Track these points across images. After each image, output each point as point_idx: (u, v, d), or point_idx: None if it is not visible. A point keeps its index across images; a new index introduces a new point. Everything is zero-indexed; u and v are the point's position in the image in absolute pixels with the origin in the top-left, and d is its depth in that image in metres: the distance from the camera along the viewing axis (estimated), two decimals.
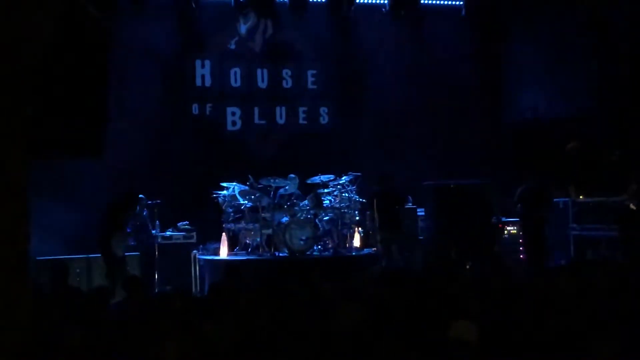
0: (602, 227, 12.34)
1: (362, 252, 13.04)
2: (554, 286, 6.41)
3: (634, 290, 5.73)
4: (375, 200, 12.65)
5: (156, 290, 11.68)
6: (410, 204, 13.88)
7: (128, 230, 11.61)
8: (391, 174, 12.87)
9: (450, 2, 16.17)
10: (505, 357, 4.22)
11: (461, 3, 15.99)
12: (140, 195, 12.60)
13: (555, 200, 12.88)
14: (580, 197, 12.76)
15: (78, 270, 12.05)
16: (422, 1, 15.89)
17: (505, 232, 13.88)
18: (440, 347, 3.98)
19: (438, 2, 16.12)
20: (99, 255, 11.56)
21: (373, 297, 5.37)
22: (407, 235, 13.11)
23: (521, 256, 13.31)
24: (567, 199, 12.74)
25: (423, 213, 13.91)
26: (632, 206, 11.73)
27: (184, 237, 13.01)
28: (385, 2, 15.74)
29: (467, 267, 11.04)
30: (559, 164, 13.24)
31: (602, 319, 4.80)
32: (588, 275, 6.49)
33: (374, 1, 15.82)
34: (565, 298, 5.67)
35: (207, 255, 13.05)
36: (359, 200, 13.25)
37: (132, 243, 12.16)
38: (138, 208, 12.25)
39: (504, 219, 13.89)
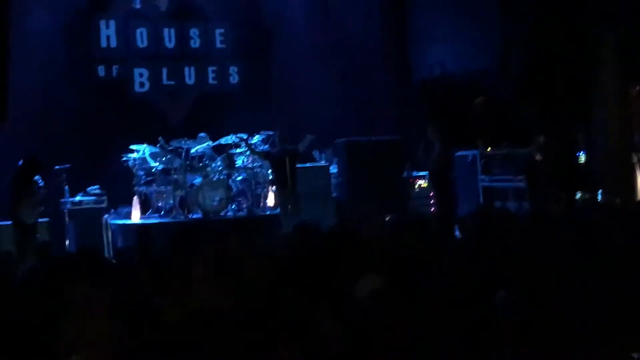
0: (510, 178, 12.64)
1: (276, 211, 13.06)
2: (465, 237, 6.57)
3: (536, 239, 5.90)
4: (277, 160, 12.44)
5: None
6: (322, 162, 13.94)
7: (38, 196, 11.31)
8: (286, 134, 12.54)
9: None
10: (417, 309, 4.31)
11: None
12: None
13: (463, 153, 13.15)
14: (488, 149, 13.03)
15: None
16: None
17: (416, 186, 14.11)
18: (349, 300, 4.04)
19: None
20: (8, 222, 11.32)
21: (283, 254, 5.41)
22: (314, 194, 13.03)
23: (432, 209, 13.57)
24: (475, 152, 12.99)
25: (335, 170, 14.00)
26: (537, 157, 12.06)
27: (95, 202, 12.74)
28: None
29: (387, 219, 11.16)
30: (466, 118, 13.49)
31: (508, 271, 4.93)
32: (495, 225, 6.65)
33: None
34: (477, 249, 5.82)
35: (119, 219, 12.89)
36: None
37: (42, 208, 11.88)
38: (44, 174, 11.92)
39: (414, 174, 14.12)
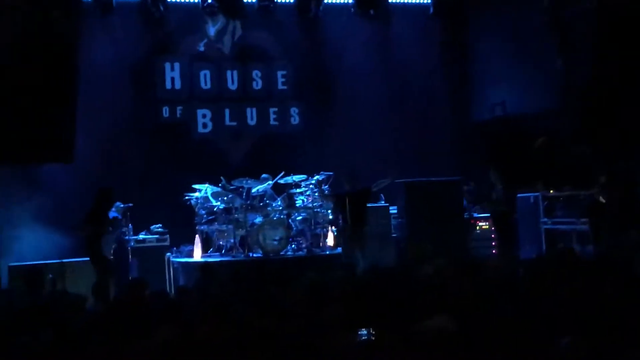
0: (573, 221, 12.47)
1: (335, 251, 13.06)
2: (529, 278, 6.49)
3: (602, 281, 5.81)
4: (347, 199, 12.54)
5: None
6: (382, 202, 13.92)
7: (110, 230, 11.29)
8: (358, 172, 12.62)
9: (418, 1, 16.23)
10: (484, 350, 4.27)
11: (429, 1, 16.07)
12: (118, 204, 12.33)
13: (525, 195, 13.01)
14: (551, 191, 12.88)
15: (51, 276, 11.91)
16: (390, 0, 15.94)
17: (477, 227, 13.99)
18: (418, 338, 4.03)
19: (406, 0, 16.17)
20: (74, 260, 11.49)
21: (345, 295, 5.42)
22: (374, 234, 12.95)
23: (493, 251, 13.43)
24: (537, 194, 12.85)
25: (395, 211, 13.96)
26: (601, 199, 11.87)
27: (157, 240, 12.93)
28: (353, 1, 15.74)
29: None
30: (527, 159, 13.37)
31: (571, 313, 4.86)
32: (559, 267, 6.57)
33: (342, 1, 15.84)
34: (540, 290, 5.75)
35: (181, 257, 13.05)
36: None
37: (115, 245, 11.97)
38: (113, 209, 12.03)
39: (475, 215, 14.01)
